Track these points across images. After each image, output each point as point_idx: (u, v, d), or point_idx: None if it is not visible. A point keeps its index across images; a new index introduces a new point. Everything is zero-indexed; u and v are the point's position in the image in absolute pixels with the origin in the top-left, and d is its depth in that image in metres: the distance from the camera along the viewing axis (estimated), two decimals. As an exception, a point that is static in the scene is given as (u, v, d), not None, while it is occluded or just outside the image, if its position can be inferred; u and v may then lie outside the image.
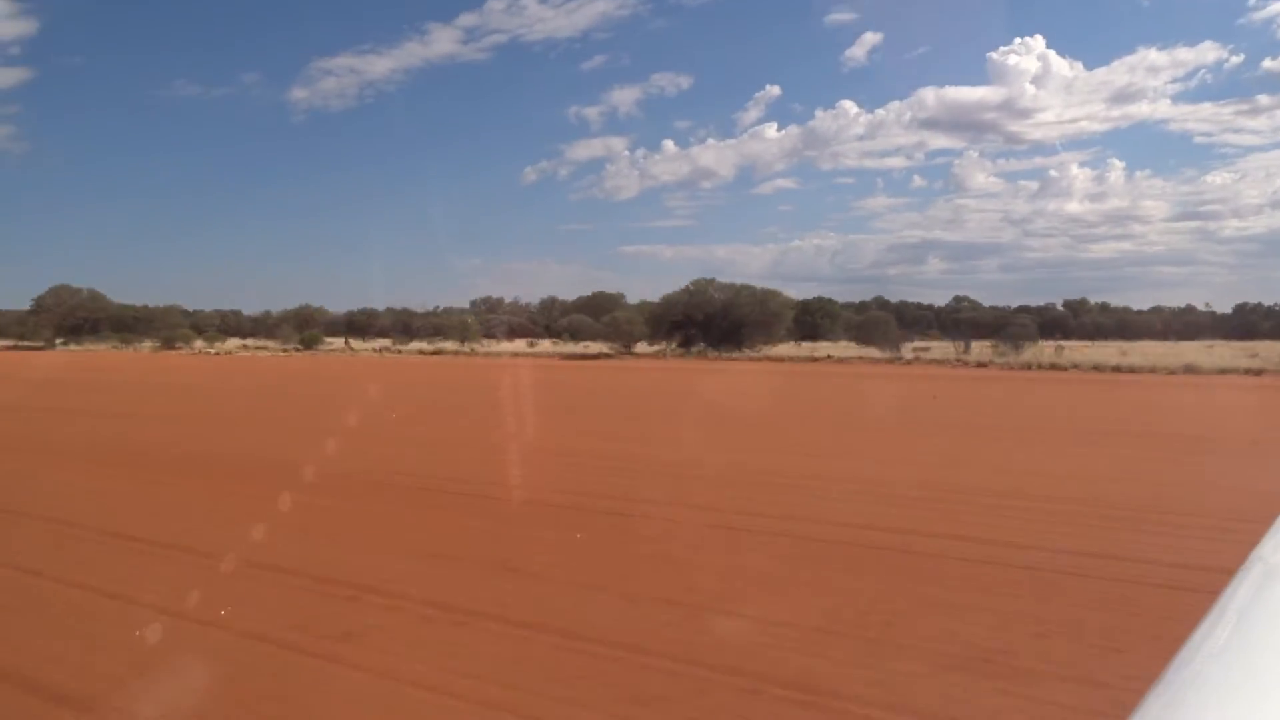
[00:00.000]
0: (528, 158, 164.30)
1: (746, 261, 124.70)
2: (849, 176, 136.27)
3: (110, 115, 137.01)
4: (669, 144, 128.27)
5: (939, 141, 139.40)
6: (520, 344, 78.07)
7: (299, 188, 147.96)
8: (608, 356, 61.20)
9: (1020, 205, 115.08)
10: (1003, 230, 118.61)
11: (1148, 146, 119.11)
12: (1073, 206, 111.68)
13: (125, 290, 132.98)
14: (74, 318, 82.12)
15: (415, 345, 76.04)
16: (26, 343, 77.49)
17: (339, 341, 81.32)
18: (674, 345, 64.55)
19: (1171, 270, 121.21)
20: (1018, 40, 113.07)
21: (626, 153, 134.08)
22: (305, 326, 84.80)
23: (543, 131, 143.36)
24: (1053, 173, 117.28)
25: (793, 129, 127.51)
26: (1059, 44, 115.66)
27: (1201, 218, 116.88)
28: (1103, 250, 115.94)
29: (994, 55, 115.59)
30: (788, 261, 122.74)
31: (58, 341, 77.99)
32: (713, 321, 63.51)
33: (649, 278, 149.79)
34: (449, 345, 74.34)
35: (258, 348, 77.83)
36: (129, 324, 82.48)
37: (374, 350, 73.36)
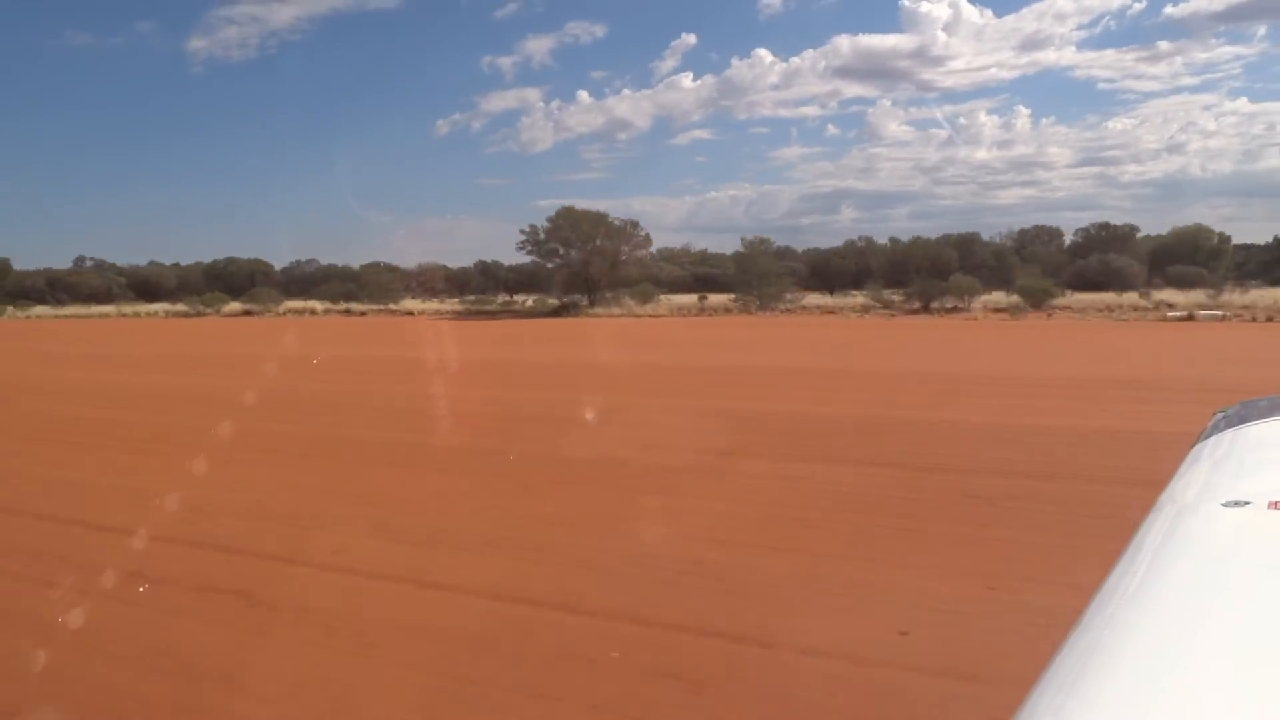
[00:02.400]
0: (440, 110, 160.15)
1: (662, 214, 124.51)
2: (764, 126, 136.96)
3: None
4: (584, 95, 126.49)
5: (853, 90, 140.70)
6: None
7: (199, 143, 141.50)
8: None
9: (930, 153, 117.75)
10: (914, 178, 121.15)
11: (1053, 94, 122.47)
12: (981, 154, 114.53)
13: (20, 253, 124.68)
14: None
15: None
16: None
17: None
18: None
19: (1074, 215, 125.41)
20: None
21: (541, 104, 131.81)
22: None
23: (455, 83, 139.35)
24: (962, 120, 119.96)
25: (709, 78, 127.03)
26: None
27: (1103, 163, 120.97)
28: (1009, 196, 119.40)
29: (906, 2, 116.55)
30: (703, 213, 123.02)
31: None
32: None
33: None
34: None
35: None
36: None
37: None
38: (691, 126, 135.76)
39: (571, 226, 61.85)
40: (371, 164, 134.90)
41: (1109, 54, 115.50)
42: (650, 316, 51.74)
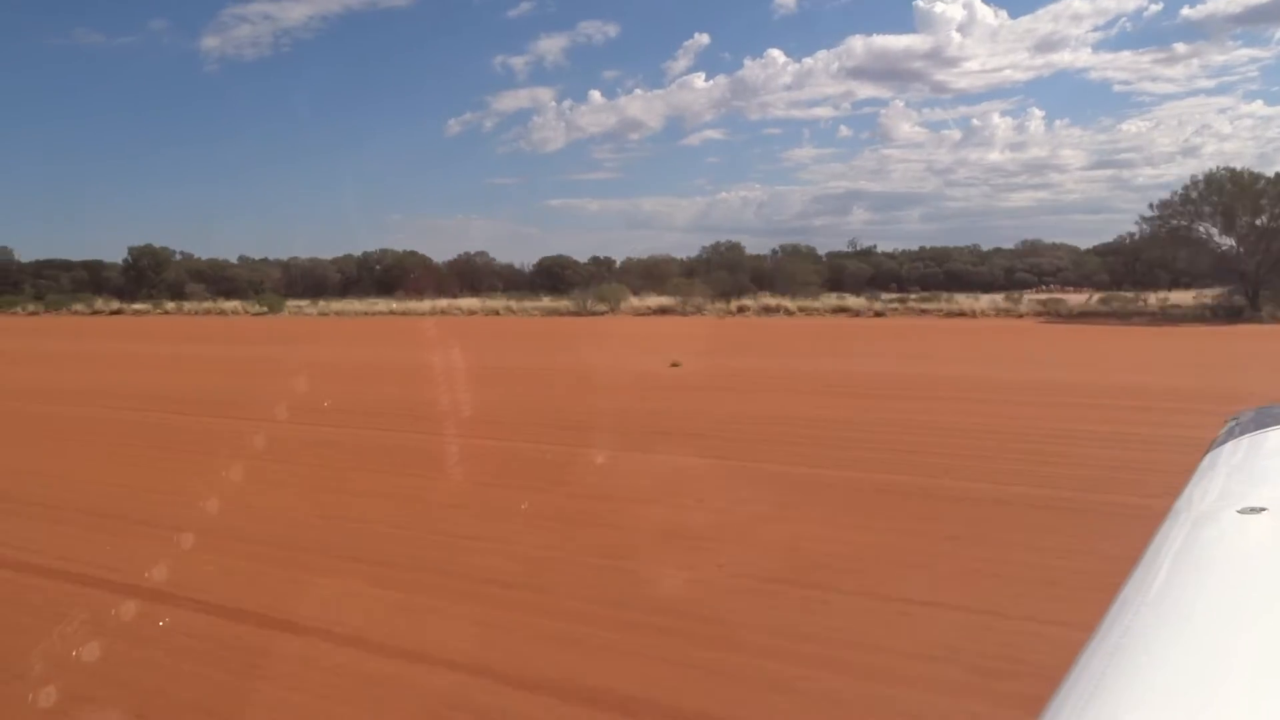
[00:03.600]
0: (452, 109, 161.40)
1: (672, 214, 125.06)
2: (776, 127, 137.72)
3: (2, 66, 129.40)
4: (596, 95, 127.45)
5: (866, 91, 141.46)
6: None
7: (211, 142, 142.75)
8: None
9: (943, 155, 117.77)
10: (926, 180, 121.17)
11: (1068, 95, 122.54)
12: (994, 156, 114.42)
13: (32, 248, 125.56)
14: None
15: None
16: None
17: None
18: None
19: (1085, 218, 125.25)
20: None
21: (553, 104, 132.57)
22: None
23: (467, 82, 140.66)
24: (975, 122, 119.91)
25: (721, 79, 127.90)
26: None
27: (1116, 165, 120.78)
28: (1020, 199, 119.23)
29: (920, 3, 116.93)
30: (714, 214, 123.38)
31: None
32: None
33: (573, 232, 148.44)
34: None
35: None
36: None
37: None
38: (703, 127, 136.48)
39: (1240, 191, 41.51)
40: (382, 163, 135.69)
41: (1125, 55, 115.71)
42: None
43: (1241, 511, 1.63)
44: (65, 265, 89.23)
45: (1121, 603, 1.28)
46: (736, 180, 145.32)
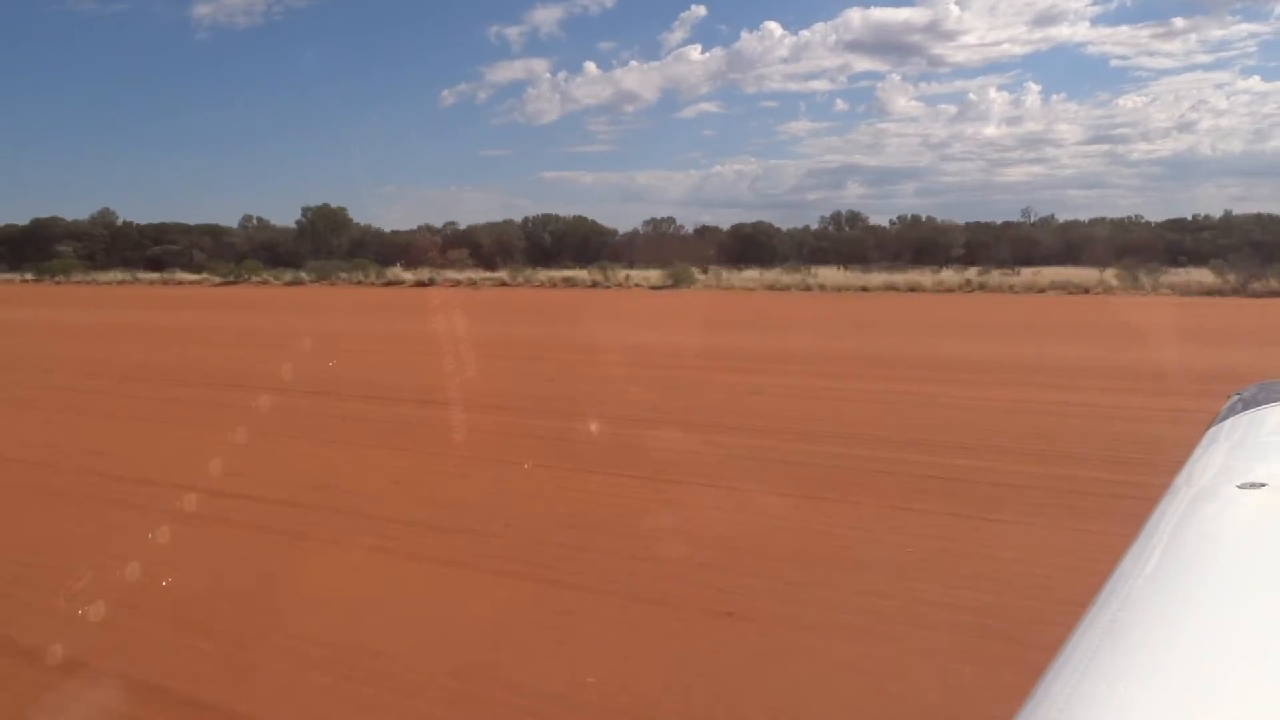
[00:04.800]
0: (445, 80, 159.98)
1: (667, 188, 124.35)
2: (772, 100, 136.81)
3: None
4: (591, 66, 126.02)
5: (863, 64, 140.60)
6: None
7: (203, 110, 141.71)
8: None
9: (939, 129, 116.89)
10: (921, 154, 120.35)
11: (1065, 70, 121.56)
12: (990, 130, 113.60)
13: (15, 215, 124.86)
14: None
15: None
16: None
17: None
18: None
19: (1079, 193, 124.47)
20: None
21: (548, 75, 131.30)
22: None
23: (461, 53, 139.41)
24: (972, 96, 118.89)
25: (717, 51, 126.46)
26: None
27: (1112, 141, 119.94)
28: (1015, 174, 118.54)
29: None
30: (708, 187, 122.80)
31: None
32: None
33: (566, 204, 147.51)
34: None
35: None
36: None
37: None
38: (699, 99, 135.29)
39: None
40: (375, 133, 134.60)
41: (1123, 30, 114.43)
42: None
43: (1241, 487, 1.63)
44: (183, 229, 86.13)
45: (1119, 576, 1.28)
46: (731, 154, 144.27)
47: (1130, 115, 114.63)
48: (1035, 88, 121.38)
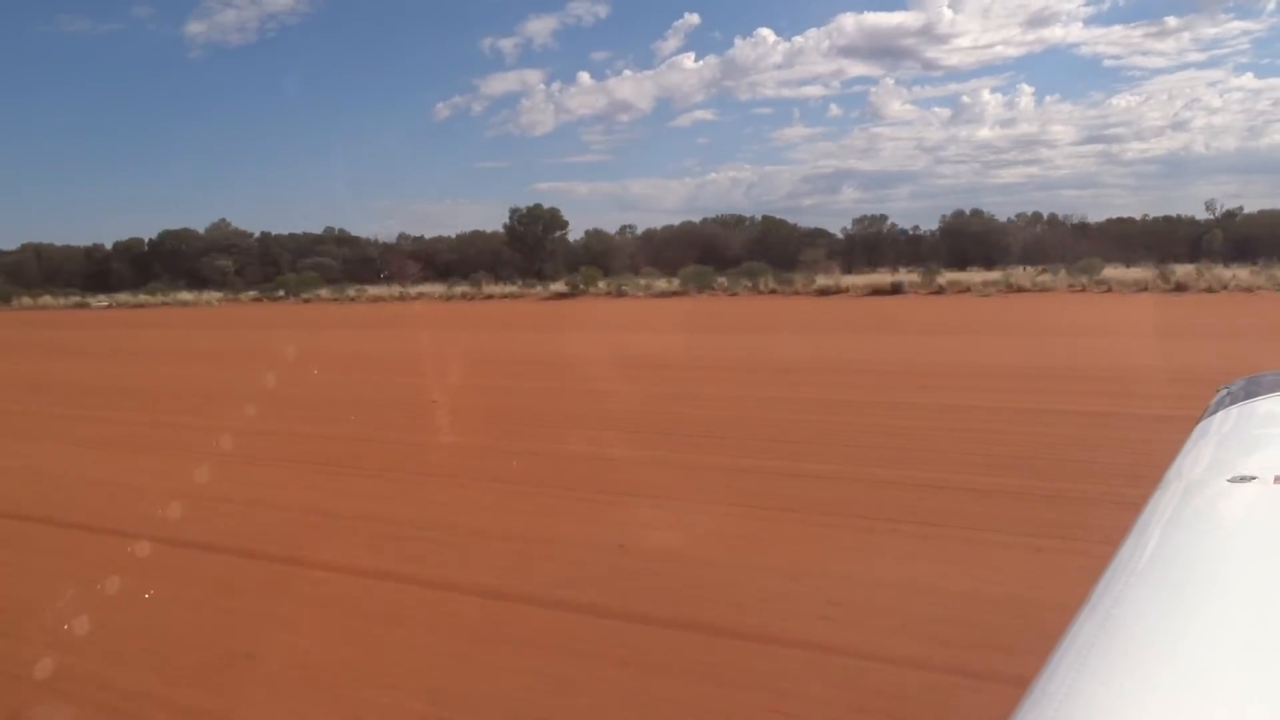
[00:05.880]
0: (440, 93, 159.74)
1: (662, 196, 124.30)
2: (767, 107, 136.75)
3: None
4: (585, 76, 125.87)
5: (857, 69, 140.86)
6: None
7: (196, 128, 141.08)
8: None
9: (933, 132, 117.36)
10: (915, 158, 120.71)
11: (1058, 71, 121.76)
12: (984, 133, 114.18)
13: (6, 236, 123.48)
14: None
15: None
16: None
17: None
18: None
19: (1074, 194, 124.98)
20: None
21: (542, 86, 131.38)
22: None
23: (455, 65, 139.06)
24: (965, 99, 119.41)
25: (711, 59, 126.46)
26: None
27: (1106, 141, 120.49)
28: (1010, 175, 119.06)
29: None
30: (703, 195, 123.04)
31: None
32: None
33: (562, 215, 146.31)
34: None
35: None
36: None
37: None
38: (693, 107, 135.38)
39: None
40: (369, 148, 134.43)
41: (1117, 30, 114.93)
42: None
43: (1232, 480, 1.64)
44: (314, 239, 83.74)
45: (1113, 570, 1.29)
46: (726, 161, 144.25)
47: (1124, 115, 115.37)
48: (1029, 89, 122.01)
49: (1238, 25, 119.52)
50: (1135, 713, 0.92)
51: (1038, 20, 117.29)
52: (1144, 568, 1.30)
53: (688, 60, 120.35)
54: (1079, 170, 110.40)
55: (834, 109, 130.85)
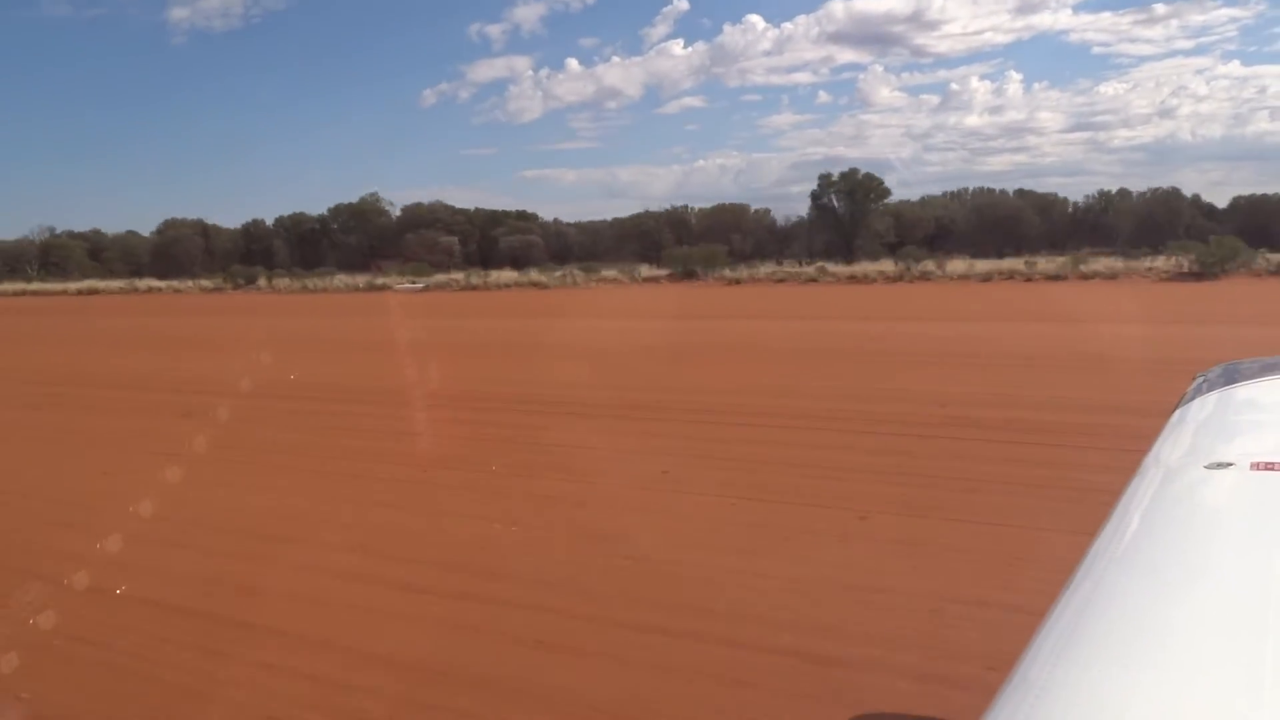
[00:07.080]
0: (426, 79, 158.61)
1: (650, 183, 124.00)
2: (755, 94, 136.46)
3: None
4: (574, 63, 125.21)
5: (846, 56, 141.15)
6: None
7: (180, 115, 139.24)
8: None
9: (921, 119, 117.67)
10: (903, 145, 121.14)
11: (1047, 58, 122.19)
12: (972, 120, 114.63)
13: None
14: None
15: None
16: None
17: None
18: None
19: (1061, 180, 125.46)
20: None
21: (530, 73, 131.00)
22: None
23: (442, 51, 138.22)
24: (954, 86, 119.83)
25: (700, 45, 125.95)
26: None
27: (1093, 128, 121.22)
28: (998, 163, 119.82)
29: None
30: (691, 182, 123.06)
31: None
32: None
33: (550, 203, 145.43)
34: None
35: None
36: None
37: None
38: (682, 94, 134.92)
39: None
40: (355, 134, 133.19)
41: (1105, 17, 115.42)
42: None
43: (1209, 466, 1.65)
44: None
45: (1092, 557, 1.30)
46: (714, 148, 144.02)
47: (1111, 102, 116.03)
48: (1017, 76, 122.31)
49: (1225, 13, 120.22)
50: (1116, 698, 0.92)
51: (1027, 7, 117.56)
52: (1123, 554, 1.31)
53: (676, 47, 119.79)
54: (1066, 158, 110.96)
55: (823, 96, 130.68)
